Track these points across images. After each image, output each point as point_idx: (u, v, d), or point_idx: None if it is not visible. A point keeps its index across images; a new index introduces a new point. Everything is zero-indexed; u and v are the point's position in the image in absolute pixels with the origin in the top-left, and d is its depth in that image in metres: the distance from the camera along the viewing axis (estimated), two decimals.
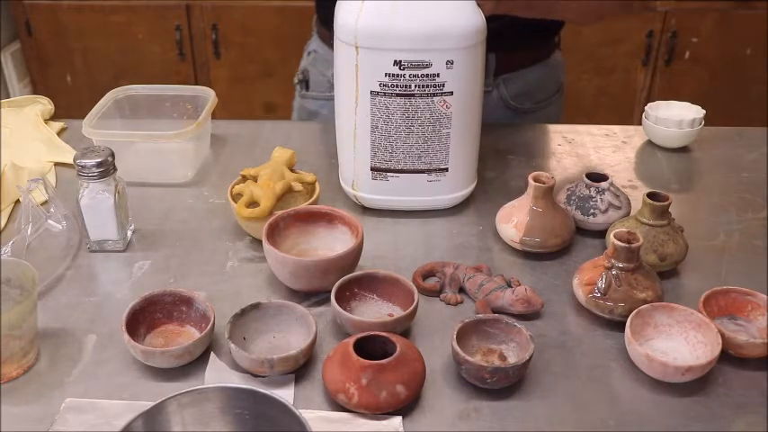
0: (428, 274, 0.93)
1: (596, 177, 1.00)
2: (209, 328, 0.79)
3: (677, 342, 0.81)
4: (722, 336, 0.78)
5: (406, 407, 0.74)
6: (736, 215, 1.06)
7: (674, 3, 2.43)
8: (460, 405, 0.75)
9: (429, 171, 1.01)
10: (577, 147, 1.24)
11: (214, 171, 1.16)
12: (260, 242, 0.91)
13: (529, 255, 0.96)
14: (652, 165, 1.20)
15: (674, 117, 1.21)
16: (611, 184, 1.00)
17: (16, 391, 0.77)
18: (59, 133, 1.26)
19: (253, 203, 0.96)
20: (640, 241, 0.83)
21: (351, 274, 0.86)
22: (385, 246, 0.99)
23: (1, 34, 2.54)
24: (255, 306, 0.81)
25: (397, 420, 0.73)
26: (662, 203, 0.91)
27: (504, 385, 0.76)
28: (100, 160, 0.91)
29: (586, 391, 0.77)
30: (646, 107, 1.24)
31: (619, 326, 0.83)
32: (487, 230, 1.02)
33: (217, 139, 1.24)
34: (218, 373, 0.78)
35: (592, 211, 0.98)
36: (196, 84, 2.40)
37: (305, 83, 1.37)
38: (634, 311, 0.81)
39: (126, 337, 0.78)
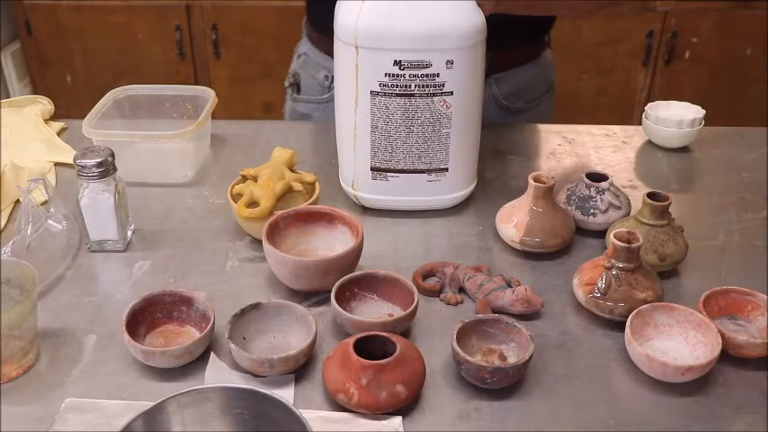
0: (428, 274, 0.93)
1: (596, 177, 1.00)
2: (209, 328, 0.79)
3: (677, 342, 0.81)
4: (722, 336, 0.78)
5: (406, 407, 0.74)
6: (736, 215, 1.06)
7: (674, 3, 2.43)
8: (460, 405, 0.75)
9: (429, 171, 1.01)
10: (577, 147, 1.24)
11: (214, 171, 1.16)
12: (260, 242, 0.91)
13: (529, 255, 0.96)
14: (652, 165, 1.20)
15: (674, 117, 1.21)
16: (611, 184, 1.00)
17: (16, 391, 0.77)
18: (59, 133, 1.26)
19: (253, 203, 0.96)
20: (640, 241, 0.83)
21: (351, 274, 0.86)
22: (385, 246, 0.99)
23: (1, 34, 2.54)
24: (255, 306, 0.81)
25: (397, 420, 0.73)
26: (662, 203, 0.91)
27: (504, 385, 0.76)
28: (100, 160, 0.92)
29: (586, 391, 0.77)
30: (646, 107, 1.24)
31: (619, 326, 0.83)
32: (487, 230, 1.02)
33: (217, 139, 1.24)
34: (218, 373, 0.78)
35: (592, 211, 0.98)
36: (196, 84, 2.40)
37: (296, 86, 1.36)
38: (634, 311, 0.81)
39: (126, 337, 0.78)
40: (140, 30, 2.53)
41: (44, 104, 1.31)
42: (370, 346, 0.75)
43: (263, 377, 0.77)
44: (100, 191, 0.93)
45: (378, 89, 0.95)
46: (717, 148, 1.24)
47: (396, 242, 1.00)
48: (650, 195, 0.92)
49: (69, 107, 1.89)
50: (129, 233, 0.99)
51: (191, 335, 0.82)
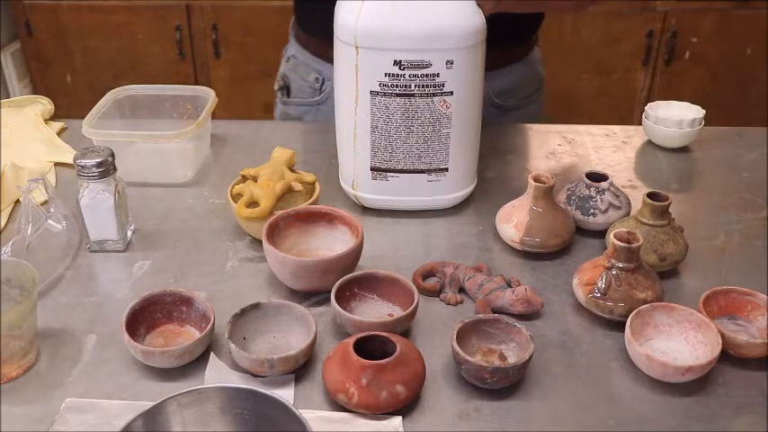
0: (428, 274, 0.93)
1: (596, 177, 1.00)
2: (209, 328, 0.79)
3: (677, 342, 0.81)
4: (722, 336, 0.78)
5: (406, 407, 0.74)
6: (736, 215, 1.06)
7: (674, 3, 2.43)
8: (460, 405, 0.75)
9: (429, 171, 1.01)
10: (577, 147, 1.24)
11: (214, 171, 1.16)
12: (260, 242, 0.91)
13: (529, 255, 0.96)
14: (652, 165, 1.20)
15: (674, 117, 1.21)
16: (611, 184, 1.00)
17: (16, 391, 0.77)
18: (59, 133, 1.26)
19: (253, 203, 0.96)
20: (640, 241, 0.83)
21: (351, 274, 0.86)
22: (385, 246, 0.99)
23: (1, 34, 2.54)
24: (255, 306, 0.81)
25: (397, 420, 0.73)
26: (662, 203, 0.91)
27: (504, 385, 0.76)
28: (100, 160, 0.92)
29: (586, 391, 0.77)
30: (646, 107, 1.24)
31: (619, 326, 0.83)
32: (487, 230, 1.02)
33: (217, 139, 1.24)
34: (218, 373, 0.78)
35: (592, 211, 0.98)
36: (196, 84, 2.40)
37: (286, 89, 1.35)
38: (634, 311, 0.81)
39: (126, 337, 0.78)
40: (140, 30, 2.53)
41: (44, 104, 1.31)
42: (370, 346, 0.75)
43: (263, 377, 0.77)
44: (100, 191, 0.93)
45: (378, 89, 0.95)
46: (717, 148, 1.24)
47: (396, 242, 1.00)
48: (650, 195, 0.92)
49: (69, 107, 1.89)
50: (129, 233, 0.99)
51: (191, 335, 0.82)
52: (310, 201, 0.98)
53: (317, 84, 1.29)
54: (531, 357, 0.75)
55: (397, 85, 0.95)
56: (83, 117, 1.10)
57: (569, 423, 0.73)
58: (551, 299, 0.89)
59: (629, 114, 2.59)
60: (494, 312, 0.86)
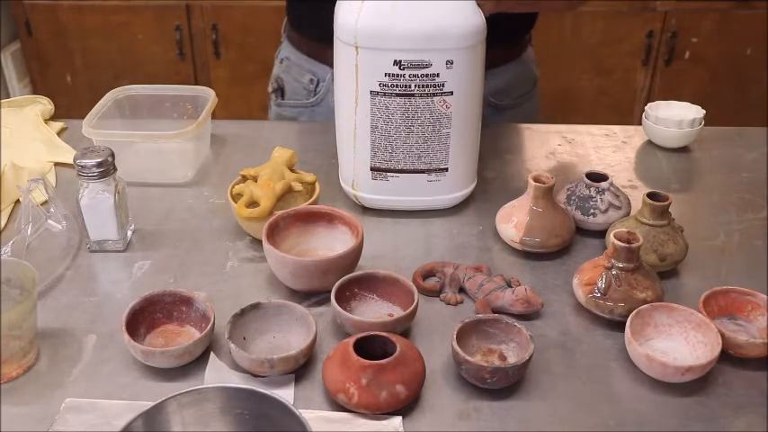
0: (428, 274, 0.93)
1: (596, 177, 1.00)
2: (209, 328, 0.79)
3: (677, 342, 0.81)
4: (722, 336, 0.78)
5: (406, 407, 0.74)
6: (736, 215, 1.06)
7: (674, 3, 2.43)
8: (460, 405, 0.75)
9: (429, 171, 1.01)
10: (577, 147, 1.24)
11: (214, 171, 1.16)
12: (260, 242, 0.91)
13: (529, 255, 0.96)
14: (652, 165, 1.20)
15: (674, 117, 1.21)
16: (611, 184, 1.00)
17: (16, 391, 0.77)
18: (59, 133, 1.26)
19: (253, 203, 0.96)
20: (640, 241, 0.83)
21: (351, 274, 0.86)
22: (385, 246, 0.99)
23: (1, 34, 2.54)
24: (255, 306, 0.81)
25: (397, 420, 0.73)
26: (662, 203, 0.91)
27: (504, 385, 0.76)
28: (100, 160, 0.92)
29: (586, 391, 0.77)
30: (646, 107, 1.24)
31: (619, 326, 0.83)
32: (487, 230, 1.02)
33: (217, 139, 1.24)
34: (218, 373, 0.78)
35: (592, 211, 0.98)
36: (196, 84, 2.40)
37: (280, 91, 1.34)
38: (634, 311, 0.81)
39: (126, 337, 0.78)
40: (140, 30, 2.53)
41: (44, 104, 1.31)
42: (370, 346, 0.75)
43: (263, 377, 0.77)
44: (100, 191, 0.93)
45: (378, 89, 0.95)
46: (717, 148, 1.24)
47: (396, 242, 1.00)
48: (650, 195, 0.92)
49: (69, 107, 1.89)
50: (129, 233, 0.99)
51: (191, 335, 0.82)
52: (310, 201, 0.98)
53: (312, 85, 1.29)
54: (531, 357, 0.75)
55: (397, 85, 0.95)
56: (83, 117, 1.10)
57: (569, 423, 0.73)
58: (551, 299, 0.89)
59: (629, 114, 2.59)
60: (494, 312, 0.86)
